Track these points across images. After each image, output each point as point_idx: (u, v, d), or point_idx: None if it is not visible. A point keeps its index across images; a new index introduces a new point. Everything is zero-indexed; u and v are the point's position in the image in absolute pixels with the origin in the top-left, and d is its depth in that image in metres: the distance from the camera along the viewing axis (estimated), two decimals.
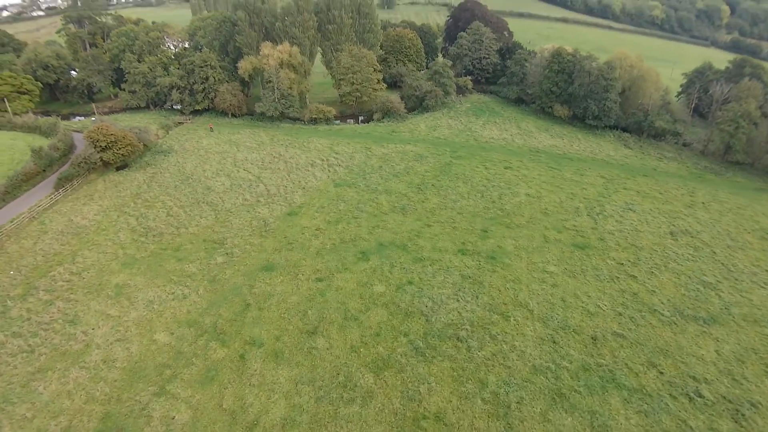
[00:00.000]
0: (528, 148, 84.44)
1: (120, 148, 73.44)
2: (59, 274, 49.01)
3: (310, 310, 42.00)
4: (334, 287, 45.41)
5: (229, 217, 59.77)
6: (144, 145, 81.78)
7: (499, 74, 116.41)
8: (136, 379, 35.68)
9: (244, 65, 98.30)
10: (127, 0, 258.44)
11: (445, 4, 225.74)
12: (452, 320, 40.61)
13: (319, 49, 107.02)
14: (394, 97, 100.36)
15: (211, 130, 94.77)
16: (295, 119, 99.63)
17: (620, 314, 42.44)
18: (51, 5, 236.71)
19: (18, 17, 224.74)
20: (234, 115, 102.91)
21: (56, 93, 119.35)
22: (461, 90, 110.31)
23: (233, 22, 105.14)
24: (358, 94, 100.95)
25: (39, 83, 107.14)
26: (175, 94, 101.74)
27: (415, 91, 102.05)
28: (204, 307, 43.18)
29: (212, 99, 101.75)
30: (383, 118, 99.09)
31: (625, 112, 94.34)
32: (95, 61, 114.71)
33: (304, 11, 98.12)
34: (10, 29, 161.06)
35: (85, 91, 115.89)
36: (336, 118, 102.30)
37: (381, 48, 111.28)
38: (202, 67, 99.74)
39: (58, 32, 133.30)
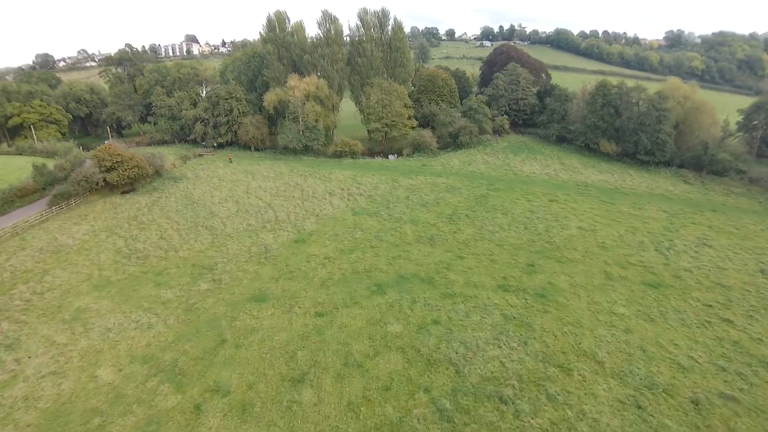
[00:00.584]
0: (574, 183, 73.89)
1: (126, 170, 67.57)
2: (20, 292, 40.84)
3: (301, 351, 31.60)
4: (336, 324, 35.09)
5: (226, 242, 51.18)
6: (156, 171, 76.21)
7: (537, 115, 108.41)
8: (54, 426, 25.78)
9: (269, 97, 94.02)
10: (174, 54, 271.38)
11: (480, 58, 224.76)
12: (492, 373, 29.33)
13: (348, 84, 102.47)
14: (426, 132, 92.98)
15: (230, 161, 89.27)
16: (318, 153, 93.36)
17: (723, 369, 30.13)
18: (104, 57, 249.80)
19: (72, 67, 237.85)
20: (257, 149, 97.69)
21: (88, 127, 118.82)
22: (497, 131, 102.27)
23: (262, 57, 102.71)
24: (387, 129, 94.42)
25: (69, 115, 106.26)
26: (198, 127, 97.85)
27: (449, 127, 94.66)
28: (169, 340, 33.46)
29: (235, 132, 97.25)
30: (413, 153, 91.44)
31: (680, 148, 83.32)
32: (127, 96, 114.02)
33: (333, 43, 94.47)
34: (64, 77, 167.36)
35: (114, 125, 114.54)
36: (363, 154, 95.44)
37: (413, 85, 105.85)
38: (227, 99, 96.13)
39: (99, 73, 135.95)
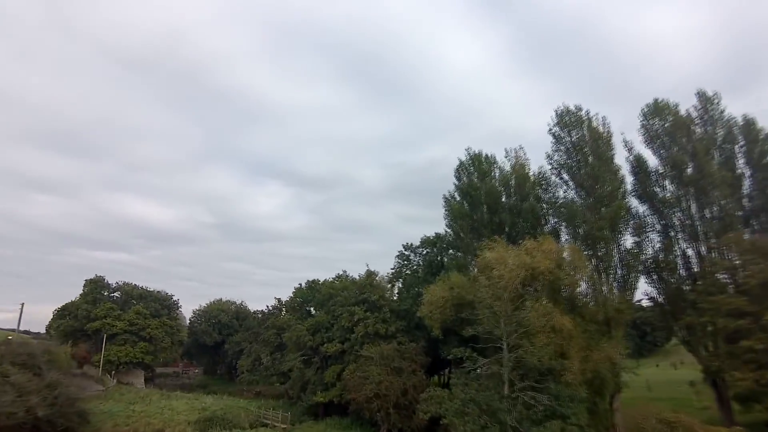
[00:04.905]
0: None
1: None
2: None
3: None
4: None
5: None
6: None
7: None
8: None
9: (433, 293, 34.24)
10: None
11: None
12: None
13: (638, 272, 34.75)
14: None
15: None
16: None
17: None
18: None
19: None
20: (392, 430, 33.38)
21: (217, 365, 77.91)
22: None
23: (444, 240, 48.67)
24: None
25: (184, 337, 68.34)
26: (292, 361, 42.89)
27: None
28: None
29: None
30: None
31: None
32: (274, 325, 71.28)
33: (591, 159, 34.14)
34: None
35: (233, 363, 69.88)
36: None
37: None
38: (350, 306, 41.20)
39: None
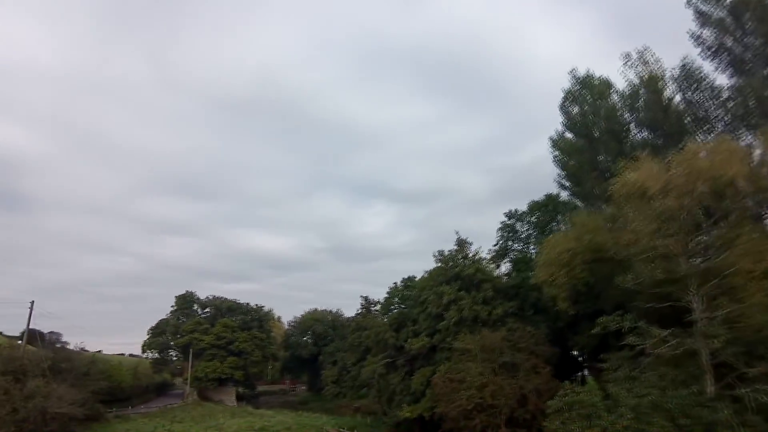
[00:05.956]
0: None
1: None
2: None
3: None
4: None
5: None
6: None
7: None
8: None
9: (553, 245, 23.01)
10: None
11: None
12: None
13: None
14: None
15: None
16: None
17: None
18: None
19: None
20: None
21: (316, 379, 72.00)
22: None
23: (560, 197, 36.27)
24: None
25: (273, 350, 63.89)
26: (372, 364, 33.89)
27: None
28: None
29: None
30: None
31: None
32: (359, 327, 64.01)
33: None
34: None
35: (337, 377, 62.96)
36: None
37: None
38: (438, 286, 31.13)
39: None
